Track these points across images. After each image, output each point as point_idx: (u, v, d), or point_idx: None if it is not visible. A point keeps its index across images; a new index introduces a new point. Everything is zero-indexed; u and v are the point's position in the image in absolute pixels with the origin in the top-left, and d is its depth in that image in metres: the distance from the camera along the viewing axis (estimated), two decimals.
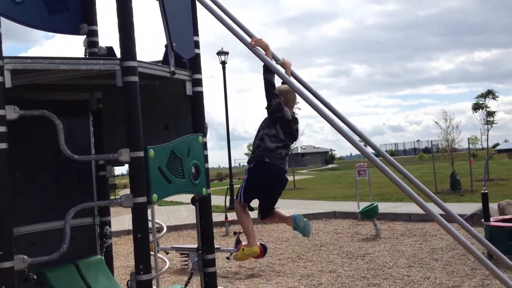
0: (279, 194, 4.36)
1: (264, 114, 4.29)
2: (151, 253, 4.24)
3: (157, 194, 3.60)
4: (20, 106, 3.32)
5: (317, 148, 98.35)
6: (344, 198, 19.51)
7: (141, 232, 3.51)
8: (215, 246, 4.55)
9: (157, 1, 3.97)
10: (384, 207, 14.25)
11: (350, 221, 13.64)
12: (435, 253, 8.75)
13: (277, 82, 4.36)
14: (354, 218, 13.76)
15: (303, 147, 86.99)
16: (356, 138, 3.75)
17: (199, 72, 4.35)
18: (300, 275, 7.86)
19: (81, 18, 4.53)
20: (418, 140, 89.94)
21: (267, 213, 4.30)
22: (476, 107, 34.15)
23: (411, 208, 13.22)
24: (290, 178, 27.88)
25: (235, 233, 8.95)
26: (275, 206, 4.37)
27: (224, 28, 3.99)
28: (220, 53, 20.37)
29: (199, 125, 4.32)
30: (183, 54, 4.18)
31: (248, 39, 4.11)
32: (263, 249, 7.76)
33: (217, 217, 12.82)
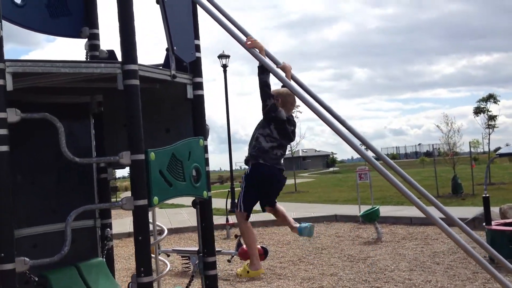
0: (277, 193, 4.39)
1: (261, 117, 4.32)
2: (152, 255, 4.24)
3: (158, 197, 3.61)
4: (21, 109, 3.33)
5: (318, 151, 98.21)
6: (345, 201, 19.50)
7: (142, 234, 3.51)
8: (216, 249, 4.55)
9: (158, 5, 3.99)
10: (385, 210, 14.23)
11: (351, 224, 13.63)
12: (436, 256, 8.74)
13: (278, 85, 4.37)
14: (355, 221, 13.75)
15: (304, 150, 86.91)
16: (357, 142, 3.75)
17: (200, 75, 4.36)
18: (301, 278, 7.85)
19: (82, 22, 4.55)
20: (419, 144, 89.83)
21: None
22: (478, 111, 34.08)
23: (412, 211, 13.20)
24: (291, 181, 27.88)
25: (236, 236, 8.95)
26: (283, 208, 4.41)
27: (226, 31, 4.00)
28: (221, 56, 20.41)
29: (200, 128, 4.33)
30: (184, 58, 4.19)
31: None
32: (264, 252, 7.76)
33: (218, 220, 12.83)
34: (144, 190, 3.52)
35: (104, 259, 4.68)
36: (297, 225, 4.49)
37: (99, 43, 4.65)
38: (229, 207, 13.39)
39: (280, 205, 4.50)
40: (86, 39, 4.63)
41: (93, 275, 4.31)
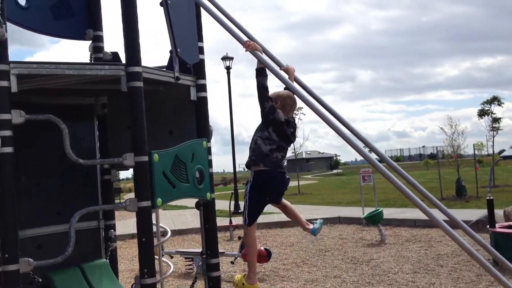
0: (282, 194, 4.41)
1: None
2: (156, 257, 4.26)
3: (162, 198, 3.62)
4: (25, 110, 3.35)
5: (322, 153, 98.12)
6: (349, 203, 19.47)
7: (146, 236, 3.53)
8: (220, 251, 4.57)
9: (162, 7, 4.00)
10: (389, 212, 14.21)
11: (355, 226, 13.61)
12: (440, 259, 8.71)
13: (281, 87, 4.37)
14: (358, 223, 13.73)
15: (308, 152, 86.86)
16: (360, 144, 3.75)
17: (204, 77, 4.37)
18: (304, 280, 7.85)
19: (86, 24, 4.57)
20: (423, 146, 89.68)
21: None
22: (482, 113, 33.96)
23: (416, 214, 13.17)
24: (294, 183, 27.86)
25: (239, 237, 8.95)
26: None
27: (229, 34, 4.01)
28: (224, 58, 20.43)
29: (203, 130, 4.34)
30: (188, 60, 4.21)
31: None
32: (267, 254, 7.75)
33: (221, 221, 12.82)
34: (147, 191, 3.53)
35: (108, 260, 4.69)
36: (311, 226, 4.53)
37: (103, 45, 4.67)
38: (232, 208, 13.40)
39: (286, 201, 4.52)
40: (90, 41, 4.65)
41: (96, 276, 4.32)
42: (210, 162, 4.26)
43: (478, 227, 10.39)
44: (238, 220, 14.13)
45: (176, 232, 13.58)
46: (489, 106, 33.93)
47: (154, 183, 3.56)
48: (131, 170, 3.84)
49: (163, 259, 5.76)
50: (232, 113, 20.33)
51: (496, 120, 33.23)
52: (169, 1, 3.99)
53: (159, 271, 5.46)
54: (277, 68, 4.08)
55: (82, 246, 4.38)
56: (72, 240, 3.33)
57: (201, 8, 4.22)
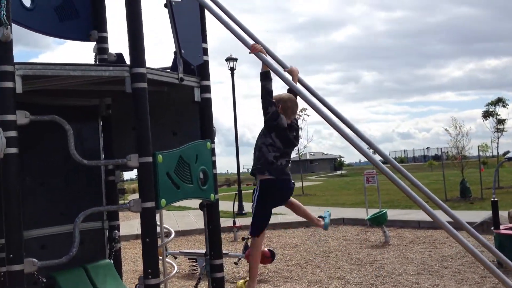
0: (287, 199, 4.43)
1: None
2: (159, 257, 4.26)
3: (166, 199, 3.63)
4: (30, 111, 3.36)
5: (326, 154, 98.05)
6: (353, 204, 19.45)
7: (150, 236, 3.53)
8: (223, 252, 4.57)
9: (166, 8, 4.01)
10: (393, 214, 14.18)
11: (359, 227, 13.59)
12: (444, 260, 8.69)
13: (285, 88, 4.37)
14: (362, 225, 13.71)
15: (312, 154, 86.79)
16: (364, 145, 3.74)
17: (208, 78, 4.38)
18: (308, 281, 7.84)
19: (91, 25, 4.58)
20: (427, 147, 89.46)
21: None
22: (486, 114, 33.89)
23: (420, 215, 13.14)
24: (298, 184, 27.85)
25: (243, 238, 8.94)
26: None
27: (233, 35, 4.01)
28: (228, 59, 20.46)
29: (207, 131, 4.34)
30: (192, 61, 4.21)
31: None
32: (271, 255, 7.76)
33: (225, 222, 12.82)
34: (151, 192, 3.54)
35: (112, 261, 4.70)
36: (322, 222, 4.69)
37: (107, 46, 4.68)
38: (236, 210, 13.40)
39: (293, 198, 4.56)
40: (95, 42, 4.66)
41: (100, 276, 4.33)
42: (214, 163, 4.27)
43: (483, 228, 10.35)
44: (241, 221, 14.14)
45: (179, 233, 13.60)
46: (493, 107, 33.88)
47: (158, 184, 3.57)
48: (135, 171, 3.85)
49: (167, 259, 5.76)
50: (236, 114, 20.37)
51: (500, 121, 33.17)
52: (173, 3, 4.01)
53: (163, 271, 5.47)
54: (281, 69, 4.08)
55: (86, 247, 4.40)
56: (76, 240, 3.34)
57: (205, 10, 4.23)
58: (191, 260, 9.09)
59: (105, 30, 4.68)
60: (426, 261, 8.73)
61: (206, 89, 4.36)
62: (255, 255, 4.32)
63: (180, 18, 4.04)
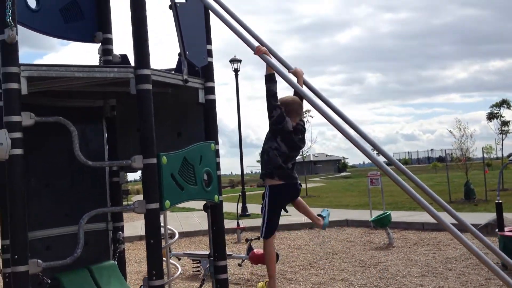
0: (294, 199, 4.51)
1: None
2: (163, 259, 4.27)
3: (170, 200, 3.63)
4: (35, 112, 3.37)
5: (330, 156, 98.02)
6: (357, 206, 19.42)
7: (154, 238, 3.54)
8: (227, 253, 4.57)
9: (171, 10, 4.02)
10: (397, 215, 14.15)
11: (363, 229, 13.56)
12: (448, 262, 8.67)
13: (288, 90, 4.37)
14: (366, 226, 13.69)
15: (316, 155, 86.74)
16: (368, 147, 3.74)
17: (212, 80, 4.39)
18: (312, 283, 7.83)
19: (96, 26, 4.60)
20: (432, 149, 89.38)
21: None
22: (491, 116, 33.81)
23: (424, 217, 13.11)
24: (302, 185, 27.81)
25: (246, 240, 8.94)
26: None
27: (238, 37, 4.01)
28: (232, 61, 20.48)
29: (211, 133, 4.35)
30: (196, 63, 4.22)
31: None
32: (275, 257, 7.76)
33: (229, 224, 12.81)
34: (156, 193, 3.54)
35: (116, 262, 4.71)
36: (321, 222, 4.73)
37: (112, 47, 4.70)
38: (240, 211, 13.40)
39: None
40: (100, 44, 4.68)
41: (105, 277, 4.34)
42: (218, 164, 4.28)
43: (487, 230, 10.32)
44: (245, 223, 14.13)
45: (183, 234, 13.59)
46: (498, 109, 33.78)
47: (162, 185, 3.58)
48: (139, 172, 3.86)
49: (171, 261, 5.77)
50: (240, 116, 20.40)
51: (505, 123, 33.06)
52: (178, 4, 4.02)
53: (167, 273, 5.47)
54: (285, 71, 4.08)
55: (90, 248, 4.41)
56: (81, 241, 3.35)
57: (210, 11, 4.24)
58: (195, 262, 9.10)
59: (110, 32, 4.70)
60: (430, 263, 8.71)
61: (211, 90, 4.37)
62: (270, 255, 4.38)
63: (184, 19, 4.05)
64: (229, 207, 15.72)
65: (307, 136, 4.59)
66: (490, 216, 11.53)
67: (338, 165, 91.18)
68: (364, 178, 23.08)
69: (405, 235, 12.21)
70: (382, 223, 11.23)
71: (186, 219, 18.41)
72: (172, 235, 5.94)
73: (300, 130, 4.33)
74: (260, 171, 4.55)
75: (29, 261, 3.23)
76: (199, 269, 8.82)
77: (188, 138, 4.46)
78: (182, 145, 4.03)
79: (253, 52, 3.93)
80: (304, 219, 5.22)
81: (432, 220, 3.93)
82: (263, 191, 4.40)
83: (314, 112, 24.57)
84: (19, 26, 3.42)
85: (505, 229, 8.26)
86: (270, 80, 4.11)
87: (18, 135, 3.24)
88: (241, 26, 4.11)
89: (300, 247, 11.33)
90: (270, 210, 4.30)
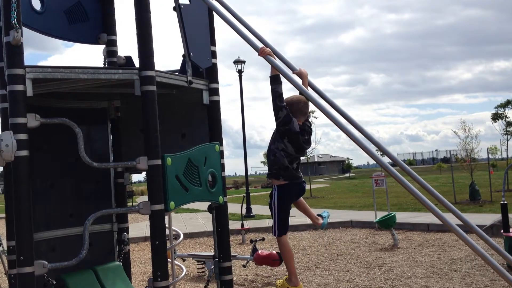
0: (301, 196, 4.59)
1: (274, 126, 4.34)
2: (168, 260, 4.27)
3: (175, 201, 3.64)
4: (40, 114, 3.38)
5: (334, 157, 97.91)
6: (361, 207, 19.39)
7: (159, 239, 3.54)
8: (232, 254, 4.58)
9: (175, 12, 4.03)
10: (401, 216, 14.12)
11: (367, 230, 13.54)
12: (453, 263, 8.64)
13: (293, 90, 4.37)
14: (371, 227, 13.66)
15: (320, 156, 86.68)
16: (372, 148, 3.73)
17: (216, 81, 4.39)
18: (316, 284, 7.82)
19: (100, 28, 4.61)
20: (436, 150, 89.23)
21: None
22: (496, 117, 33.77)
23: (429, 218, 13.08)
24: (306, 186, 27.79)
25: (251, 241, 8.94)
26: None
27: (242, 39, 4.01)
28: (236, 62, 20.49)
29: (216, 134, 4.35)
30: (200, 64, 4.23)
31: None
32: (280, 258, 7.74)
33: (233, 225, 12.83)
34: (160, 195, 3.55)
35: (121, 263, 4.71)
36: (321, 221, 4.77)
37: (116, 49, 4.71)
38: (244, 212, 13.39)
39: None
40: (104, 45, 4.69)
41: (110, 279, 4.35)
42: (222, 165, 4.28)
43: (492, 231, 10.28)
44: (250, 224, 14.13)
45: (188, 235, 13.61)
46: (503, 109, 33.74)
47: (167, 187, 3.58)
48: (143, 173, 3.87)
49: (176, 262, 5.76)
50: (244, 116, 20.38)
51: (510, 123, 33.01)
52: (182, 6, 4.02)
53: (172, 274, 5.47)
54: (290, 72, 4.08)
55: (95, 249, 4.42)
56: (86, 242, 3.36)
57: (214, 13, 4.25)
58: (199, 263, 9.10)
59: (114, 33, 4.71)
60: (435, 264, 8.68)
61: (215, 91, 4.37)
62: (287, 252, 4.41)
63: (188, 21, 4.06)
64: (233, 208, 15.73)
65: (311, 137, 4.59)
66: (495, 217, 11.49)
67: (343, 166, 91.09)
68: (369, 179, 23.05)
69: (410, 236, 12.18)
70: (387, 224, 11.20)
71: (190, 220, 18.42)
72: (176, 236, 5.94)
73: (306, 131, 4.34)
74: (265, 172, 4.59)
75: (34, 262, 3.24)
76: (203, 270, 8.83)
77: (193, 139, 4.47)
78: (187, 146, 4.04)
79: (257, 53, 3.93)
80: (308, 220, 5.18)
81: (437, 221, 3.91)
82: (271, 191, 4.44)
83: (318, 113, 24.54)
84: (23, 28, 3.43)
85: (511, 230, 8.22)
86: (275, 81, 4.11)
87: (23, 136, 3.26)
88: (245, 27, 4.11)
89: (304, 248, 11.32)
90: (280, 209, 4.33)
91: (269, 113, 4.26)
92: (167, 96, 4.38)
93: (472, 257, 8.84)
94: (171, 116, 4.50)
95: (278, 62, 4.04)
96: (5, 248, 3.96)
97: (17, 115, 3.26)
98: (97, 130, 4.82)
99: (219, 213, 4.37)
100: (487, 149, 25.72)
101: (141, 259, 11.00)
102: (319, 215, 4.89)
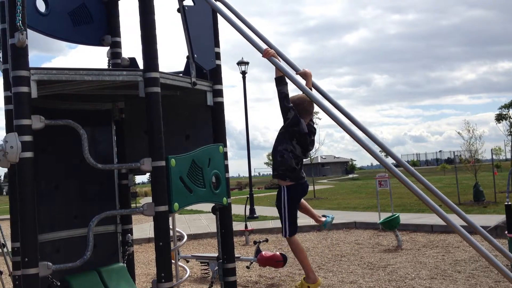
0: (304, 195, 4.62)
1: (281, 124, 4.34)
2: (172, 261, 4.28)
3: (179, 203, 3.64)
4: (45, 115, 3.40)
5: (338, 157, 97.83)
6: (365, 208, 19.35)
7: (163, 240, 3.55)
8: (235, 255, 4.58)
9: (179, 13, 4.04)
10: (405, 218, 14.09)
11: (371, 231, 13.52)
12: (457, 265, 8.62)
13: (296, 91, 4.36)
14: (375, 228, 13.64)
15: (323, 157, 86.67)
16: (376, 149, 3.73)
17: (220, 82, 4.40)
18: (320, 285, 7.82)
19: (105, 30, 4.62)
20: (440, 151, 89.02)
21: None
22: (500, 117, 33.69)
23: (433, 219, 13.05)
24: (310, 187, 27.79)
25: (255, 242, 8.94)
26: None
27: (246, 40, 4.02)
28: (240, 63, 20.51)
29: (219, 135, 4.36)
30: (204, 65, 4.24)
31: None
32: (283, 259, 7.74)
33: (237, 226, 12.83)
34: (164, 196, 3.55)
35: (125, 264, 4.72)
36: (323, 219, 4.82)
37: (121, 51, 4.72)
38: (248, 213, 13.39)
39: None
40: (108, 47, 4.70)
41: (114, 280, 4.36)
42: (226, 167, 4.28)
43: (496, 232, 10.25)
44: (253, 225, 14.13)
45: (191, 237, 13.61)
46: (507, 110, 33.63)
47: (171, 188, 3.59)
48: (147, 174, 3.88)
49: (179, 263, 5.77)
50: (248, 118, 20.40)
51: None
52: (186, 7, 4.03)
53: (176, 275, 5.48)
54: (293, 73, 4.08)
55: (99, 250, 4.43)
56: (90, 244, 3.37)
57: (218, 14, 4.25)
58: (203, 264, 9.11)
59: (119, 35, 4.72)
60: (439, 266, 8.66)
61: (219, 93, 4.38)
62: (300, 251, 4.43)
63: (192, 22, 4.07)
64: (237, 209, 15.72)
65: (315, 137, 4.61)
66: (500, 218, 11.46)
67: (346, 167, 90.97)
68: (372, 180, 23.02)
69: (413, 237, 12.16)
70: (391, 225, 11.18)
71: (193, 221, 18.43)
72: (180, 238, 5.95)
73: (311, 131, 4.36)
74: (269, 173, 4.61)
75: (39, 264, 3.25)
76: (207, 271, 8.83)
77: (197, 140, 4.48)
78: (191, 148, 4.05)
79: (261, 54, 3.94)
80: (312, 221, 5.19)
81: (441, 222, 3.92)
82: (278, 192, 4.46)
83: (322, 113, 24.55)
84: (28, 30, 3.44)
85: None
86: (280, 83, 4.12)
87: (28, 138, 3.27)
88: (249, 28, 4.12)
89: (308, 249, 11.31)
90: (290, 209, 4.34)
91: (273, 114, 4.30)
92: (171, 98, 4.39)
93: (476, 258, 8.82)
94: (175, 118, 4.50)
95: (282, 63, 4.04)
96: (10, 250, 3.97)
97: (22, 117, 3.27)
98: (101, 131, 4.83)
99: (223, 214, 4.38)
100: (491, 150, 25.64)
101: (145, 260, 11.01)
102: (324, 216, 4.91)
